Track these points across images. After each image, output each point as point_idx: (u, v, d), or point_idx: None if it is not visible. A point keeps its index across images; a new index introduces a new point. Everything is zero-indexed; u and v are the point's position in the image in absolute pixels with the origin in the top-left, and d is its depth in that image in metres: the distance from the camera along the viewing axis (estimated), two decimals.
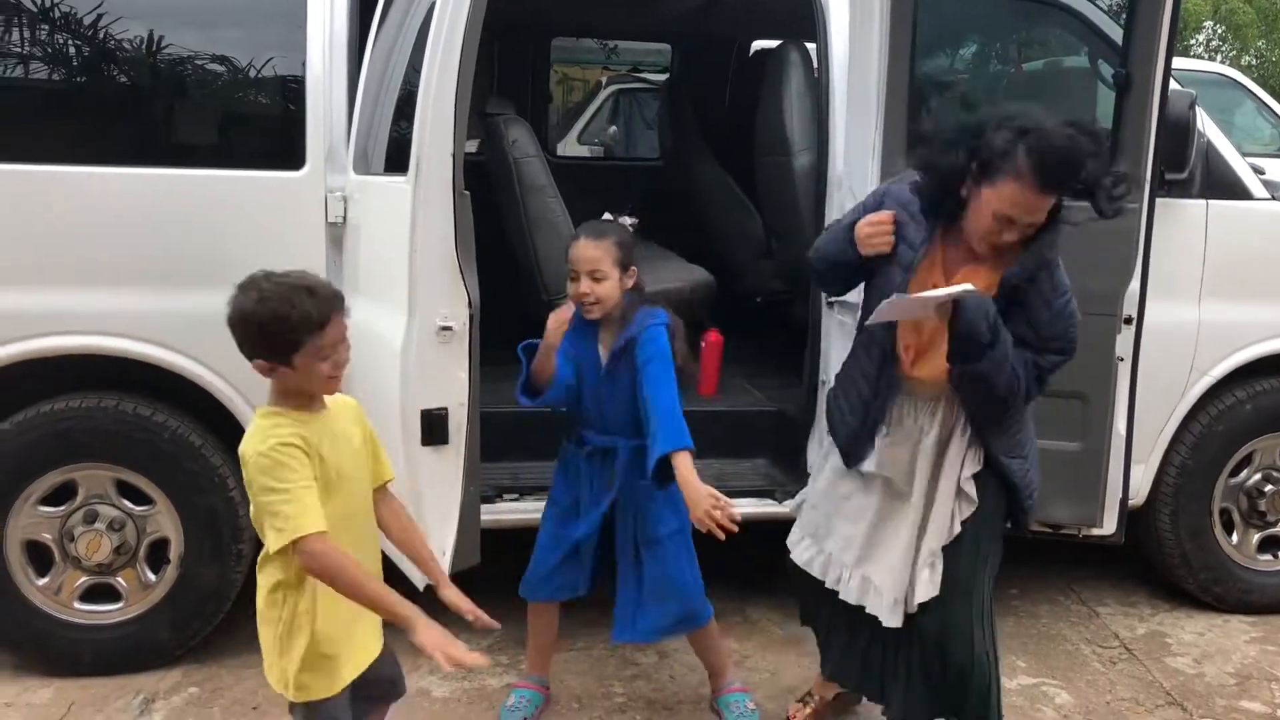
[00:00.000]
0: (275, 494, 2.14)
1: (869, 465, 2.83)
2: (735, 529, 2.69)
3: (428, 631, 2.16)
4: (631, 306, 3.02)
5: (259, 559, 2.34)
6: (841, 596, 2.88)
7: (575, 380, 3.05)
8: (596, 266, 2.94)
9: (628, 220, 3.05)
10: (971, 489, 2.74)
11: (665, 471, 2.83)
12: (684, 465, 2.78)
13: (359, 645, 2.42)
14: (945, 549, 2.76)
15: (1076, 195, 2.55)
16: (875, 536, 2.84)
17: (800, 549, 3.02)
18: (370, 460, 2.44)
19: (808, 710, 3.23)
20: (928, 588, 2.74)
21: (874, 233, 2.67)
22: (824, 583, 2.93)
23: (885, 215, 2.67)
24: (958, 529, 2.75)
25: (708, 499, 2.69)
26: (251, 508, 2.24)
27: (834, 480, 2.94)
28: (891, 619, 2.78)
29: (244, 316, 2.20)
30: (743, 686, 3.34)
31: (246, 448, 2.21)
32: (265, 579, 2.32)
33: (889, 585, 2.79)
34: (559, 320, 2.93)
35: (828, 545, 2.93)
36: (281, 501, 2.14)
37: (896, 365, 2.77)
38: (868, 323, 2.69)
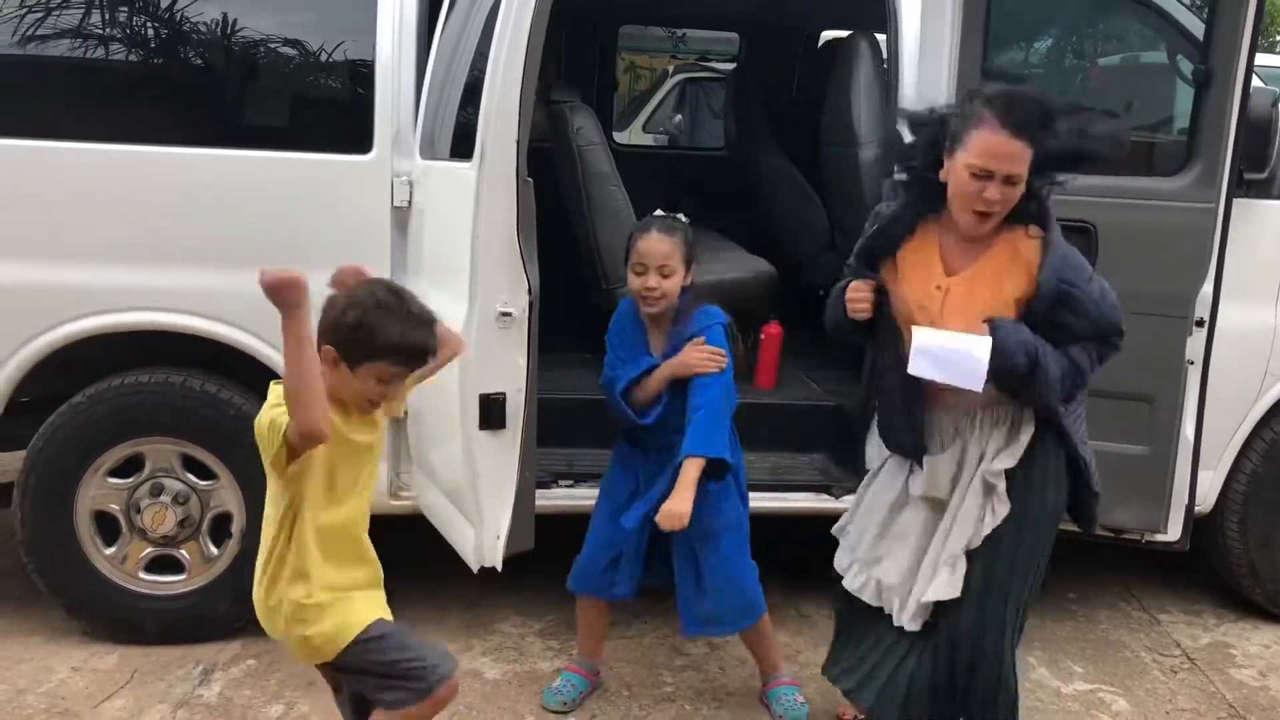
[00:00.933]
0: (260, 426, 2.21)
1: (916, 489, 2.75)
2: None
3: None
4: (689, 304, 3.03)
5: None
6: (896, 623, 2.77)
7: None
8: (667, 261, 2.96)
9: (683, 217, 3.06)
10: (1000, 484, 2.63)
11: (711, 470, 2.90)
12: (690, 469, 2.85)
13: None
14: (979, 551, 2.65)
15: (1064, 163, 2.51)
16: (919, 553, 2.76)
17: (850, 576, 2.92)
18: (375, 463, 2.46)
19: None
20: (945, 588, 2.65)
21: (856, 299, 2.68)
22: (879, 609, 2.84)
23: (864, 287, 2.67)
24: (989, 527, 2.63)
25: (673, 516, 2.81)
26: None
27: (879, 496, 2.88)
28: (911, 623, 2.72)
29: (355, 303, 2.25)
30: (793, 679, 3.33)
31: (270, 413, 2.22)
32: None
33: (901, 585, 2.75)
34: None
35: (876, 572, 2.83)
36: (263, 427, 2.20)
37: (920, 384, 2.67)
38: (909, 370, 2.56)
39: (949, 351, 2.48)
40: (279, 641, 2.46)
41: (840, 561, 2.98)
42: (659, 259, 2.96)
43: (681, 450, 2.90)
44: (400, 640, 2.40)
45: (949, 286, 2.58)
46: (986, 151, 2.45)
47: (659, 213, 3.07)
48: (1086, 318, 2.54)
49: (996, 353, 2.45)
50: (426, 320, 2.32)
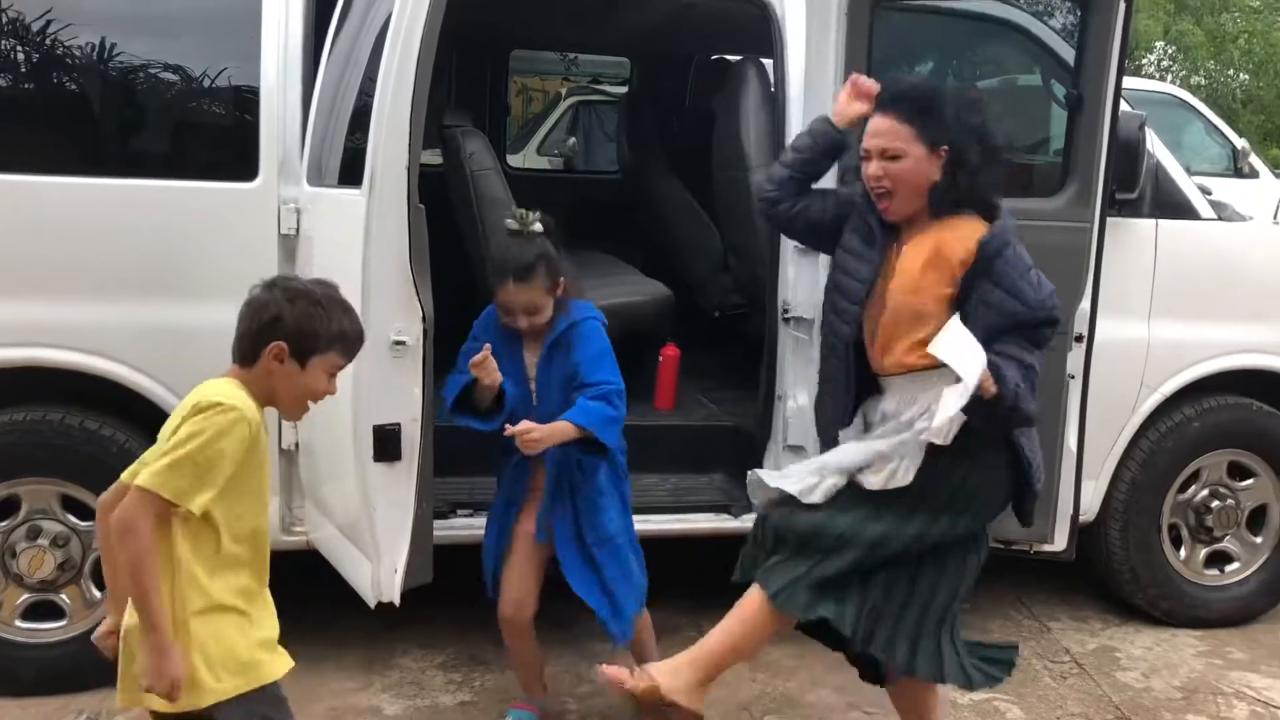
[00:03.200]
0: (198, 448, 2.05)
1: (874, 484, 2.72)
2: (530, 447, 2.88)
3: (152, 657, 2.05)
4: (561, 306, 3.04)
5: None
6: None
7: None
8: (531, 303, 2.97)
9: (537, 225, 3.01)
10: (901, 467, 2.64)
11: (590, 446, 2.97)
12: (569, 426, 2.90)
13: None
14: (901, 565, 2.67)
15: (966, 147, 2.61)
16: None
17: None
18: None
19: None
20: (821, 490, 2.69)
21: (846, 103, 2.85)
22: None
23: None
24: (881, 481, 2.66)
25: (530, 438, 2.87)
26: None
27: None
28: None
29: (296, 296, 2.21)
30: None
31: (217, 394, 2.13)
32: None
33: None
34: (486, 368, 2.92)
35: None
36: (196, 459, 2.05)
37: (867, 361, 2.76)
38: (932, 348, 2.58)
39: (969, 341, 2.53)
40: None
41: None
42: (523, 306, 2.98)
43: (571, 415, 2.91)
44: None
45: (890, 274, 2.68)
46: (866, 132, 2.68)
47: (509, 221, 3.03)
48: (1012, 284, 2.55)
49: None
50: (337, 302, 2.29)
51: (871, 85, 2.79)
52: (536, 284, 2.96)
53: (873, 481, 2.67)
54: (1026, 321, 2.56)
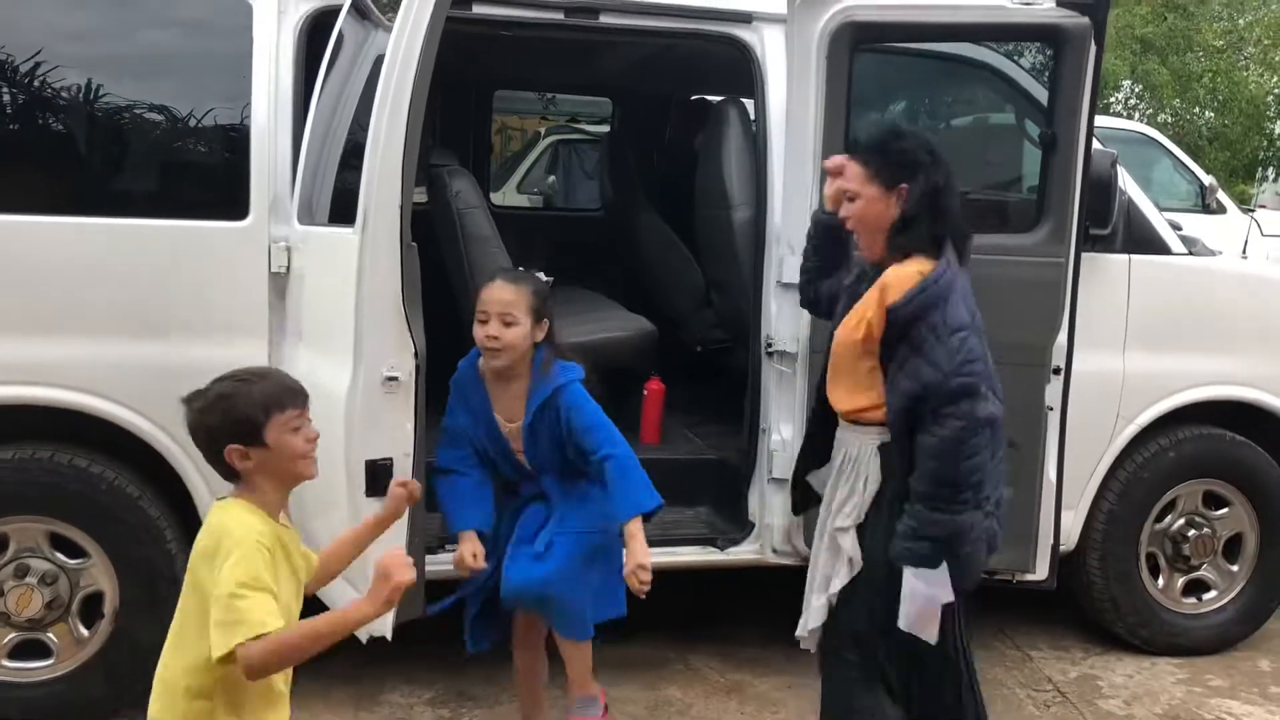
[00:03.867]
0: (244, 589, 2.02)
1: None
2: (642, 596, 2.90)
3: (374, 594, 2.13)
4: (548, 361, 2.99)
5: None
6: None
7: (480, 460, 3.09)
8: (509, 310, 2.92)
9: (542, 276, 3.05)
10: (847, 541, 2.70)
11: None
12: (635, 524, 2.90)
13: None
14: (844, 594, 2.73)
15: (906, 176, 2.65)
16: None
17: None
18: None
19: None
20: (817, 614, 2.78)
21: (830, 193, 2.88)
22: None
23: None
24: (838, 584, 2.72)
25: (639, 568, 2.86)
26: (187, 598, 2.15)
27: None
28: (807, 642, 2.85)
29: (210, 403, 2.15)
30: (597, 716, 3.19)
31: (216, 536, 2.10)
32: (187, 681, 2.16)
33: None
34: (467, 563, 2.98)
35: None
36: (245, 599, 2.02)
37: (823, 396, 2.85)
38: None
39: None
40: None
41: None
42: (500, 306, 2.92)
43: (617, 517, 2.91)
44: None
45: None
46: (844, 176, 2.75)
47: (506, 268, 3.09)
48: (927, 348, 2.50)
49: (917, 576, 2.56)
50: (260, 369, 2.33)
51: (839, 161, 2.81)
52: (522, 290, 2.94)
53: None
54: (936, 391, 2.50)
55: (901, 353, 2.56)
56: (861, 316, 2.64)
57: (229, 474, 2.19)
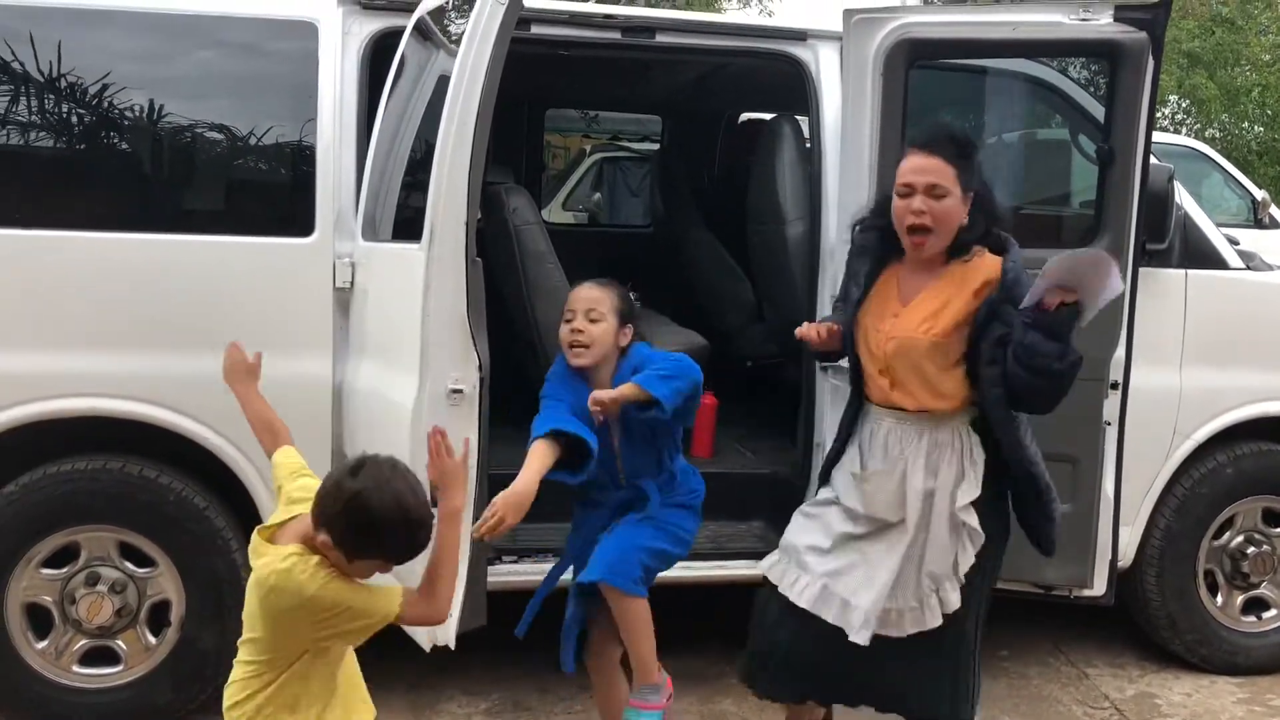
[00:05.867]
0: (355, 597, 2.16)
1: (853, 502, 2.87)
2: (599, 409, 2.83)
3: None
4: (624, 353, 3.00)
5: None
6: (792, 599, 2.84)
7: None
8: (594, 306, 2.94)
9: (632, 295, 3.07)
10: (972, 518, 2.77)
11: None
12: (631, 388, 2.84)
13: None
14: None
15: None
16: (853, 555, 2.84)
17: (769, 561, 3.01)
18: None
19: None
20: (924, 616, 2.80)
21: (802, 332, 2.92)
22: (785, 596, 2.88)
23: (813, 326, 2.91)
24: (968, 561, 2.79)
25: (597, 400, 2.81)
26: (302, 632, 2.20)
27: (821, 505, 2.99)
28: (859, 636, 2.79)
29: (365, 501, 2.11)
30: (658, 704, 3.03)
31: (290, 584, 2.13)
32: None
33: (865, 603, 2.80)
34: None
35: (837, 587, 2.85)
36: (361, 597, 2.16)
37: (865, 391, 2.90)
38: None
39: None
40: None
41: (772, 562, 3.00)
42: (587, 304, 2.94)
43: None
44: None
45: (900, 312, 2.81)
46: (906, 169, 2.76)
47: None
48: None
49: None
50: (426, 519, 2.22)
51: (933, 163, 2.75)
52: (608, 291, 2.98)
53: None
54: None
55: (995, 329, 2.70)
56: (939, 312, 2.75)
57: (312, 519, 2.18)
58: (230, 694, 2.27)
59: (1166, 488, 4.07)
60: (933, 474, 2.80)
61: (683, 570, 3.31)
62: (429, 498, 2.28)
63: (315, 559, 2.16)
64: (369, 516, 2.10)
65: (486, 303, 3.05)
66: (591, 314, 2.95)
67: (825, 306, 3.74)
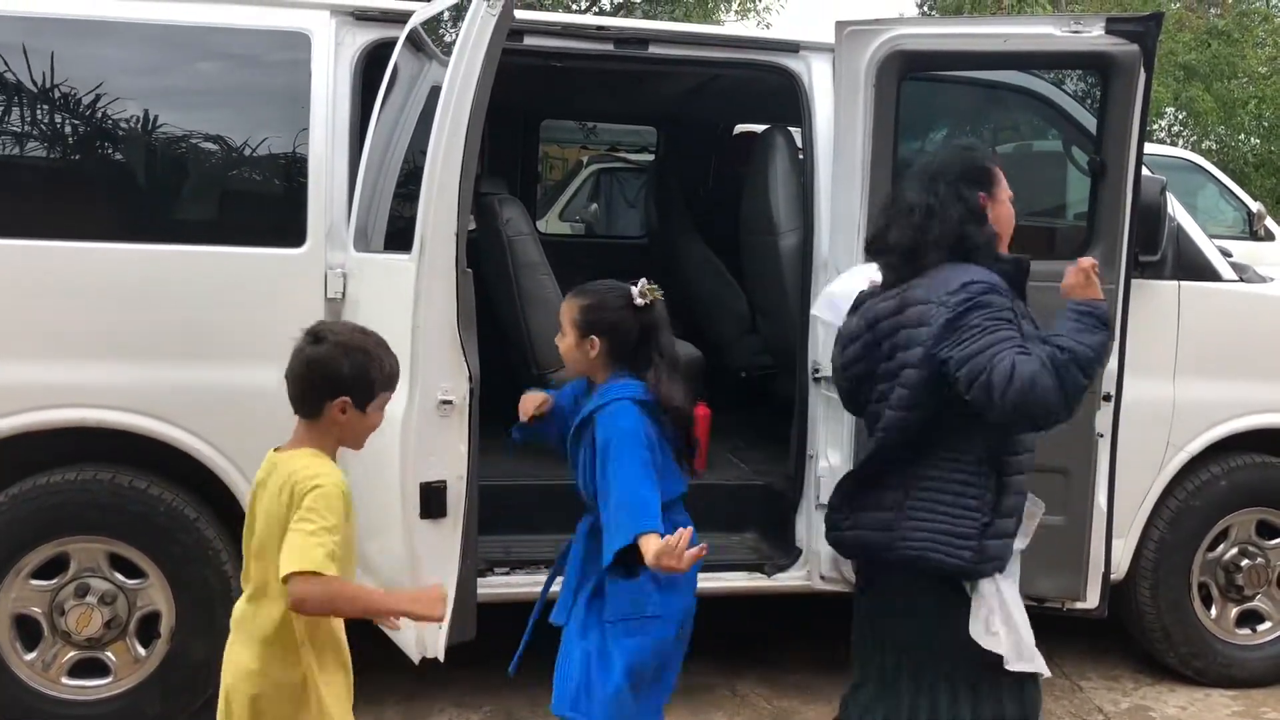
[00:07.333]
0: (323, 525, 2.21)
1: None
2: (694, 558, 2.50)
3: (423, 603, 2.33)
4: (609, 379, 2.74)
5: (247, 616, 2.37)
6: None
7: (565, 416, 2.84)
8: (560, 321, 2.78)
9: (637, 291, 2.76)
10: None
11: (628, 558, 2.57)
12: (645, 546, 2.50)
13: None
14: None
15: None
16: None
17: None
18: None
19: None
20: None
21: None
22: None
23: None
24: None
25: (661, 555, 2.45)
26: (262, 529, 2.30)
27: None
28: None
29: (349, 349, 2.32)
30: None
31: (310, 473, 2.26)
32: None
33: None
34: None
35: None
36: (321, 533, 2.20)
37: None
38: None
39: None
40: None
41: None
42: (562, 319, 2.77)
43: (607, 547, 2.60)
44: None
45: None
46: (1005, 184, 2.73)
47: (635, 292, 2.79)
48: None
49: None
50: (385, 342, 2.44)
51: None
52: (570, 303, 2.76)
53: None
54: None
55: None
56: None
57: (309, 412, 2.34)
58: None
59: (1160, 500, 4.06)
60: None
61: None
62: None
63: (323, 457, 2.34)
64: (361, 360, 2.32)
65: (480, 313, 3.04)
66: (563, 327, 2.78)
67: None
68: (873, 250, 2.83)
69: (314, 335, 2.38)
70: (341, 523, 2.25)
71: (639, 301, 2.75)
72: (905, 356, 2.59)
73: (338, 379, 2.32)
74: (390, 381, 2.41)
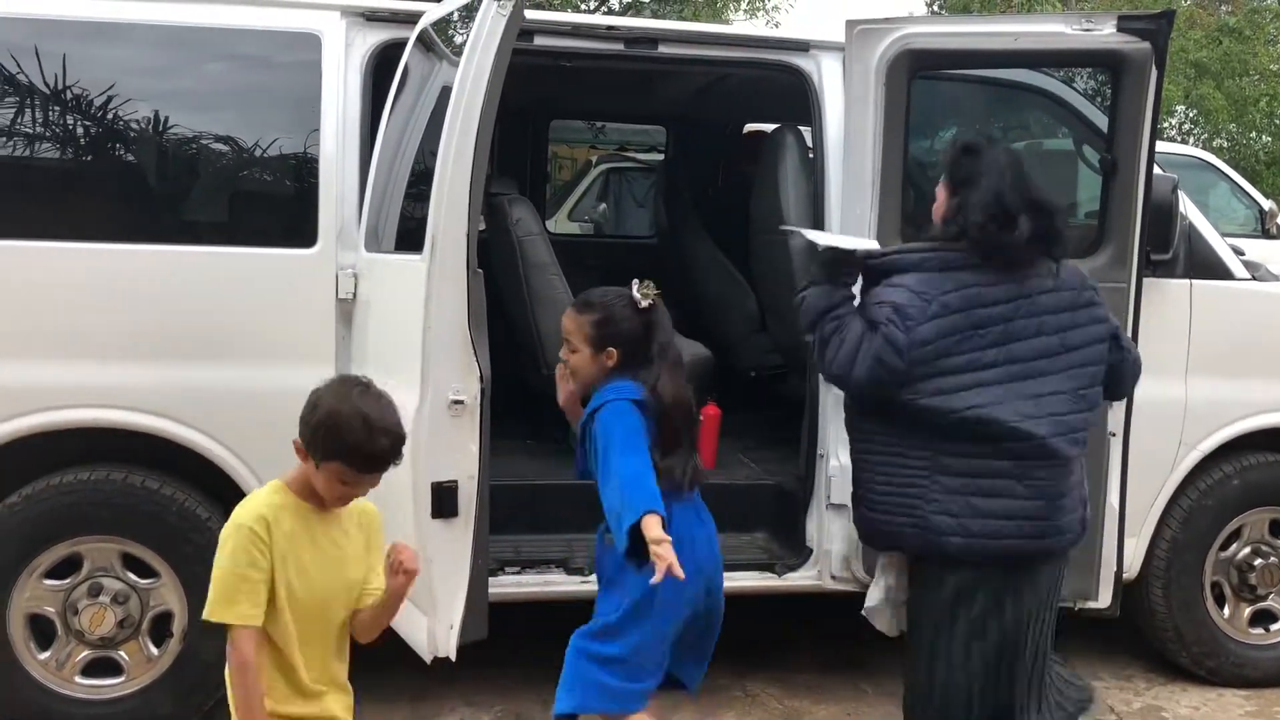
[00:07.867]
0: (221, 570, 2.27)
1: None
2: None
3: None
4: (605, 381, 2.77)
5: None
6: None
7: None
8: (568, 337, 2.81)
9: (636, 291, 2.81)
10: None
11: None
12: (648, 528, 2.49)
13: None
14: None
15: None
16: None
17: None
18: (362, 567, 2.44)
19: None
20: None
21: None
22: None
23: None
24: None
25: (660, 543, 2.45)
26: None
27: None
28: None
29: (324, 401, 2.30)
30: None
31: (238, 508, 2.32)
32: None
33: None
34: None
35: None
36: (221, 580, 2.26)
37: None
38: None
39: None
40: None
41: None
42: (564, 333, 2.81)
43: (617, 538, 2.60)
44: None
45: None
46: None
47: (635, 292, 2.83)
48: None
49: None
50: (393, 431, 2.31)
51: None
52: (584, 316, 2.78)
53: None
54: None
55: None
56: None
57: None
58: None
59: (1172, 499, 4.05)
60: None
61: None
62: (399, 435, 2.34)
63: (275, 489, 2.34)
64: (330, 418, 2.25)
65: (490, 313, 3.05)
66: (569, 344, 2.81)
67: None
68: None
69: (343, 379, 2.43)
70: (230, 561, 2.26)
71: (642, 304, 2.81)
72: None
73: (303, 419, 2.31)
74: (353, 457, 2.24)
